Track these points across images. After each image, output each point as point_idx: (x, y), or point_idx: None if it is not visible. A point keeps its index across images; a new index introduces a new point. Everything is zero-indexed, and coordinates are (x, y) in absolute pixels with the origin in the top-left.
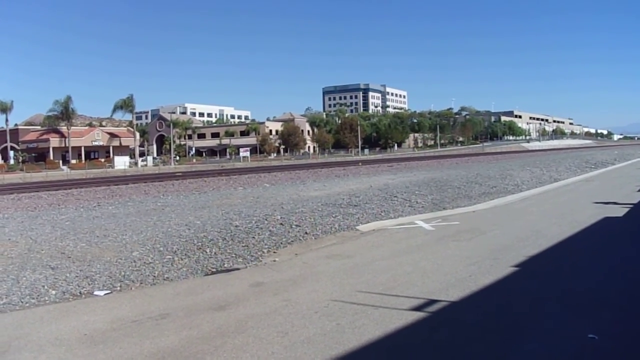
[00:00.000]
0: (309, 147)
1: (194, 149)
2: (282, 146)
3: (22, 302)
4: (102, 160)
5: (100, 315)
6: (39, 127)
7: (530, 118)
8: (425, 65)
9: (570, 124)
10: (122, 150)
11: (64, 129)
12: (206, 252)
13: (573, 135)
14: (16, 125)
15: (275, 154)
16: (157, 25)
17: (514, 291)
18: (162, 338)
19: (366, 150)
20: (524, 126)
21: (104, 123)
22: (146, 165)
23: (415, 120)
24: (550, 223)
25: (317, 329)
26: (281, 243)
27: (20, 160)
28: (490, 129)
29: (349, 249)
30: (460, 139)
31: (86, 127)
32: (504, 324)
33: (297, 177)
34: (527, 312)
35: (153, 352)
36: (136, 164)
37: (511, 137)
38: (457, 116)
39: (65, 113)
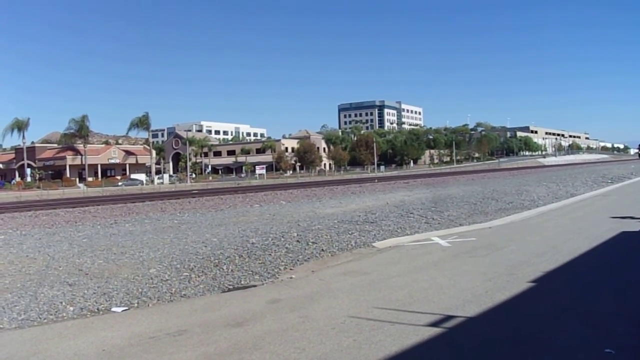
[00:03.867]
0: (324, 164)
1: (210, 166)
2: (298, 163)
3: (40, 318)
4: (119, 177)
5: (118, 331)
6: (55, 145)
7: (546, 133)
8: (440, 82)
9: (587, 138)
10: (138, 167)
11: (80, 146)
12: (223, 269)
13: (589, 149)
14: (33, 143)
15: (291, 171)
16: (173, 44)
17: (531, 306)
18: (180, 354)
19: (382, 167)
20: (540, 141)
21: (120, 141)
22: (162, 182)
23: (431, 137)
24: (567, 238)
25: (334, 345)
26: (298, 260)
27: (37, 178)
28: (506, 145)
29: (366, 265)
30: (476, 155)
31: (103, 145)
32: (521, 339)
33: (313, 195)
34: (544, 327)
35: None
36: (152, 181)
37: (527, 153)
38: (472, 132)
39: (82, 131)
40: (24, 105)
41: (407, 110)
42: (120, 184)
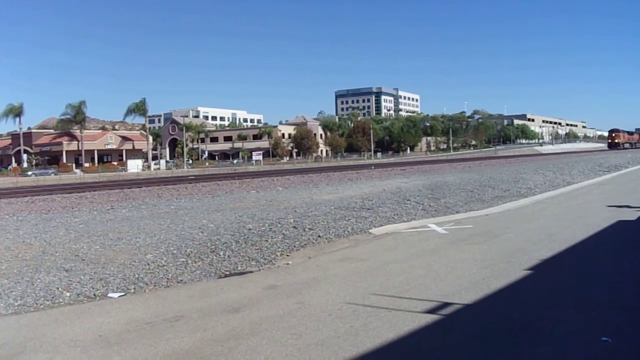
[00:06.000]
0: (321, 150)
1: (206, 152)
2: (295, 150)
3: (36, 303)
4: (115, 163)
5: (115, 317)
6: (52, 131)
7: (543, 121)
8: (437, 69)
9: (584, 127)
10: (135, 153)
11: (77, 132)
12: (219, 255)
13: (586, 138)
14: (29, 128)
15: (287, 158)
16: (170, 29)
17: (527, 294)
18: (177, 340)
19: (379, 154)
20: (537, 129)
21: (117, 127)
22: (159, 168)
23: (427, 124)
24: (564, 226)
25: (330, 331)
26: (294, 246)
27: (33, 164)
28: (503, 133)
29: (362, 252)
30: (473, 142)
31: (99, 131)
32: (518, 327)
33: (310, 181)
34: (540, 315)
35: (167, 353)
36: (149, 167)
37: (524, 141)
38: (469, 119)
39: (78, 116)
40: (21, 90)
41: (405, 97)
42: (30, 173)
